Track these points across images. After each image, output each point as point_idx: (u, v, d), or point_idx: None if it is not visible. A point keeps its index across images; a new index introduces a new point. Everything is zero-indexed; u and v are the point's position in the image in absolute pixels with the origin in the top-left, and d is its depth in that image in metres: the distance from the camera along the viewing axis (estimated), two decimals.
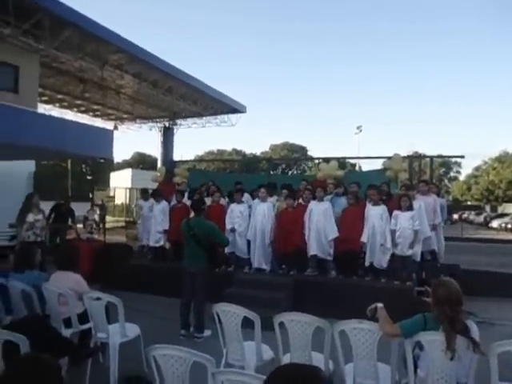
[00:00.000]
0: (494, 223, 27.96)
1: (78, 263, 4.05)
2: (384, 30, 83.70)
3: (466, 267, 7.04)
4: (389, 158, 7.77)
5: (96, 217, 11.09)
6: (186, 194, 7.79)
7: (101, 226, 13.86)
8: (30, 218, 7.12)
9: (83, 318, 3.80)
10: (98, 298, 3.65)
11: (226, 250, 6.51)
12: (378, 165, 8.01)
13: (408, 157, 8.22)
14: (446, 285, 2.58)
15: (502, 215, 31.09)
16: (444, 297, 2.52)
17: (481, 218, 32.85)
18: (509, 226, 25.13)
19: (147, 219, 7.82)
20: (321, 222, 6.15)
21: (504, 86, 77.74)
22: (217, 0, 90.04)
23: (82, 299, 3.75)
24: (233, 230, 6.56)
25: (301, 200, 6.67)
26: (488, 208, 41.62)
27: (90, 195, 16.37)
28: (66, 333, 3.65)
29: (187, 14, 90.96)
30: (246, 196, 7.11)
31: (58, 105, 19.72)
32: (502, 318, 5.59)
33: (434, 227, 6.31)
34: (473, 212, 36.97)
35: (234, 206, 6.74)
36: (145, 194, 8.41)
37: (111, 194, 25.13)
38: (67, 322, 3.76)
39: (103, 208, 18.40)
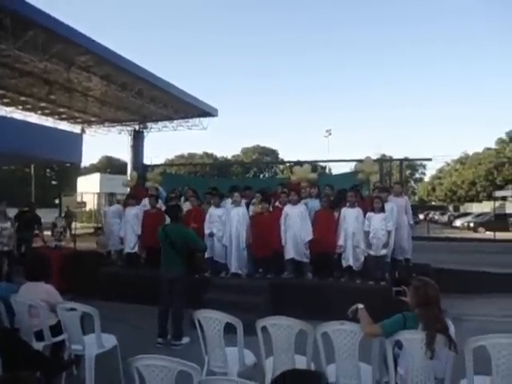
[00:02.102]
0: (458, 222, 29.15)
1: (49, 273, 3.89)
2: (351, 36, 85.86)
3: (435, 266, 7.29)
4: (360, 160, 7.96)
5: (64, 223, 10.69)
6: (160, 200, 7.66)
7: (68, 233, 13.38)
8: None
9: (56, 329, 3.65)
10: (72, 309, 3.51)
11: (205, 255, 6.45)
12: (346, 167, 8.19)
13: (379, 160, 8.45)
14: (432, 284, 2.66)
15: (465, 214, 32.49)
16: (434, 296, 2.61)
17: (445, 218, 34.19)
18: (471, 224, 26.26)
19: (112, 225, 7.69)
20: (297, 224, 6.20)
21: (464, 88, 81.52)
22: (190, 8, 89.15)
23: (54, 310, 3.60)
24: (211, 235, 6.50)
25: (277, 203, 6.71)
26: (451, 208, 43.43)
27: (57, 201, 15.77)
28: (38, 346, 3.50)
29: (161, 19, 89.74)
30: (228, 200, 7.03)
31: (20, 107, 18.91)
32: (468, 314, 5.81)
33: (411, 226, 6.79)
34: (437, 212, 38.45)
35: (212, 210, 6.66)
36: (110, 198, 8.24)
37: (80, 199, 24.26)
38: (39, 335, 3.60)
39: (69, 215, 17.80)
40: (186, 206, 7.07)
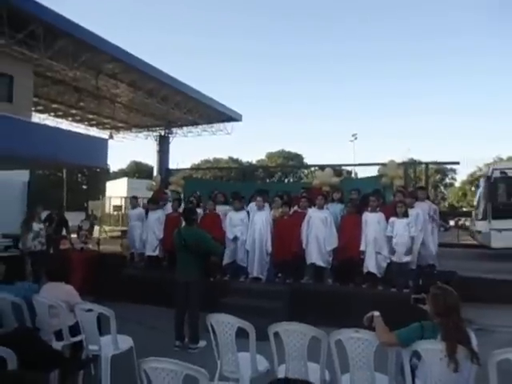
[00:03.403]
0: None
1: (69, 274, 3.98)
2: (378, 44, 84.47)
3: (463, 273, 6.98)
4: (384, 164, 7.76)
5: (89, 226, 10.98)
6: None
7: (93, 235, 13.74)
8: (36, 227, 7.13)
9: (75, 330, 3.72)
10: (90, 310, 3.57)
11: (227, 259, 6.47)
12: (374, 172, 7.98)
13: (403, 163, 8.19)
14: (452, 293, 2.54)
15: None
16: (454, 305, 2.49)
17: None
18: None
19: (135, 228, 7.82)
20: (321, 230, 6.09)
21: (494, 94, 78.28)
22: (216, 6, 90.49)
23: (73, 311, 3.68)
24: (235, 239, 6.50)
25: (296, 207, 6.63)
26: None
27: (85, 205, 16.31)
28: (58, 345, 3.58)
29: (183, 21, 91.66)
30: (251, 204, 6.96)
31: (52, 114, 19.74)
32: (499, 325, 5.53)
33: (444, 226, 6.31)
34: (469, 218, 36.93)
35: (232, 214, 6.65)
36: (133, 201, 8.36)
37: (109, 203, 24.96)
38: (58, 335, 3.67)
39: (91, 217, 18.36)
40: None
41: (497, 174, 10.60)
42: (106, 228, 21.21)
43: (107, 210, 26.05)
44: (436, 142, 72.91)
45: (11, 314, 3.71)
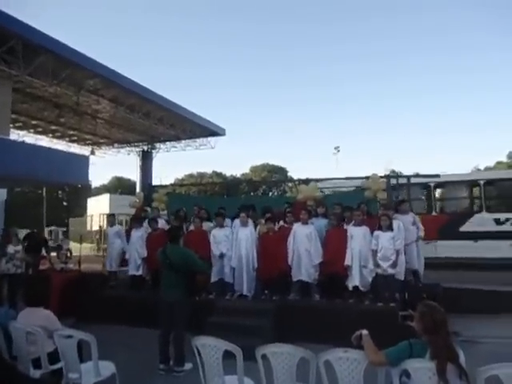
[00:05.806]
0: None
1: (48, 298, 3.83)
2: (360, 49, 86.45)
3: (447, 285, 7.03)
4: (367, 177, 7.84)
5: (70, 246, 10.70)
6: (162, 220, 7.62)
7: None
8: (10, 249, 6.91)
9: (54, 357, 3.55)
10: (70, 336, 3.43)
11: (214, 277, 6.37)
12: (357, 185, 8.06)
13: (386, 176, 8.29)
14: (439, 310, 2.53)
15: None
16: (442, 322, 2.47)
17: None
18: None
19: (113, 246, 7.67)
20: (305, 245, 6.08)
21: (478, 107, 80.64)
22: (194, 25, 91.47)
23: (52, 337, 3.52)
24: (221, 256, 6.42)
25: (282, 222, 6.61)
26: None
27: (66, 222, 15.98)
28: (36, 374, 3.42)
29: (165, 40, 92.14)
30: (227, 220, 6.96)
31: (32, 130, 19.35)
32: (484, 336, 5.56)
33: (418, 239, 6.42)
34: None
35: (216, 232, 6.59)
36: (111, 219, 8.22)
37: (91, 220, 24.53)
38: (36, 362, 3.51)
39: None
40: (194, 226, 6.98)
41: None
42: (88, 246, 20.77)
43: (88, 228, 25.52)
44: (416, 151, 74.37)
45: None
